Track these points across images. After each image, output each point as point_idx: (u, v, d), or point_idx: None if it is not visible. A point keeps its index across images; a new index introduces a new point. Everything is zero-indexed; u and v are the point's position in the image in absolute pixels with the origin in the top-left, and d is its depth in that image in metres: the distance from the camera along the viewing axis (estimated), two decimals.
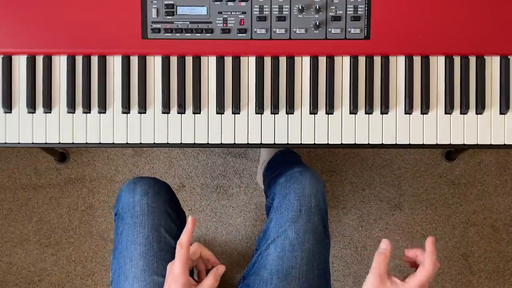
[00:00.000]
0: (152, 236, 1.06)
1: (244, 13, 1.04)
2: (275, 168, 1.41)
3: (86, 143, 1.05)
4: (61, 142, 1.05)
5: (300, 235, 1.07)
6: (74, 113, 1.05)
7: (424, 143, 1.06)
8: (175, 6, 1.04)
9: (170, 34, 1.04)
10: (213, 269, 0.93)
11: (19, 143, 1.05)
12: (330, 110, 1.05)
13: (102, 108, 1.05)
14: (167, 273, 0.91)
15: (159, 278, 1.04)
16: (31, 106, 1.04)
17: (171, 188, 1.18)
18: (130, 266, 1.05)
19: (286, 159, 1.51)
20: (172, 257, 0.98)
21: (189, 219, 0.91)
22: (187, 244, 0.89)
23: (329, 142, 1.06)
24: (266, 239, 1.11)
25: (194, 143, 1.06)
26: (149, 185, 1.11)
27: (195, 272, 1.03)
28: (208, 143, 1.06)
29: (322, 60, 1.06)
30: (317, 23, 1.03)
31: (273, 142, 1.06)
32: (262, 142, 1.06)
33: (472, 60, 1.06)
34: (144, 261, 1.05)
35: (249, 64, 1.06)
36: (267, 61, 1.06)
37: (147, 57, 1.05)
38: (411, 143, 1.06)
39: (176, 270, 0.89)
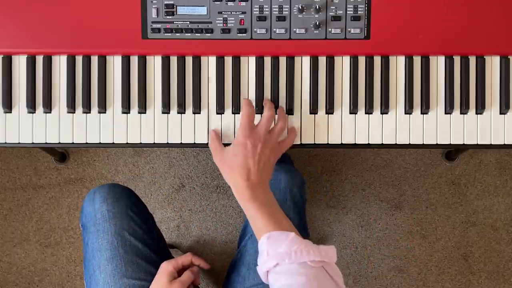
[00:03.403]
0: (117, 241, 1.07)
1: (244, 13, 1.04)
2: None
3: (86, 143, 1.05)
4: (61, 142, 1.05)
5: None
6: (74, 113, 1.05)
7: (424, 143, 1.06)
8: (175, 6, 1.04)
9: (170, 34, 1.04)
10: (189, 268, 1.06)
11: (19, 143, 1.05)
12: (330, 110, 1.05)
13: (102, 108, 1.05)
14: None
15: (130, 281, 1.05)
16: (31, 106, 1.04)
17: (134, 192, 1.18)
18: (99, 273, 1.06)
19: None
20: (139, 258, 1.07)
21: (188, 256, 1.07)
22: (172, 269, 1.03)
23: (329, 142, 1.06)
24: (245, 236, 1.14)
25: (194, 143, 1.06)
26: (107, 191, 1.12)
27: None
28: (208, 143, 1.06)
29: (322, 60, 1.06)
30: (317, 23, 1.03)
31: None
32: None
33: (472, 60, 1.06)
34: (112, 266, 1.06)
35: (249, 64, 1.06)
36: (267, 61, 1.06)
37: (147, 57, 1.05)
38: (411, 143, 1.06)
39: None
